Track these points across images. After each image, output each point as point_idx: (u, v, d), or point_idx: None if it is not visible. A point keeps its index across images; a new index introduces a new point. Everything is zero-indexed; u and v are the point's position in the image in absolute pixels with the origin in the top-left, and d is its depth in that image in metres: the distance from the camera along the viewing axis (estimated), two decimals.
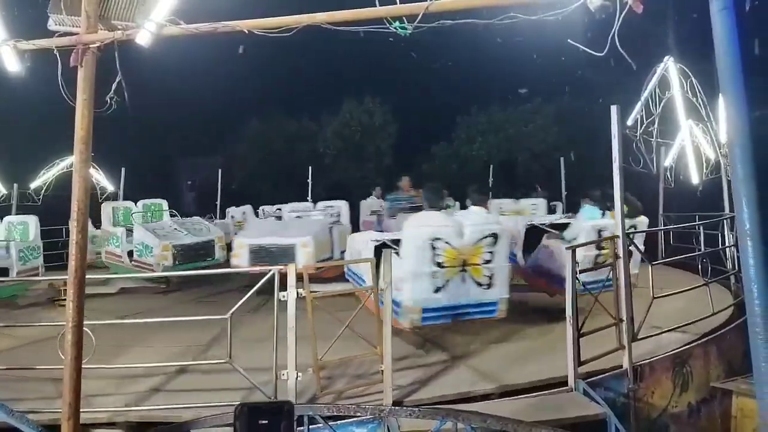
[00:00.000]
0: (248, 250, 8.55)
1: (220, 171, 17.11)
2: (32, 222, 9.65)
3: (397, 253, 5.39)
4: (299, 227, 9.36)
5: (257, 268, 5.41)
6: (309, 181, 16.34)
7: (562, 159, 15.02)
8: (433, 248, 5.44)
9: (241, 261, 8.66)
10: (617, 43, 2.31)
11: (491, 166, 17.36)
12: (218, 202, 16.55)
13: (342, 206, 11.15)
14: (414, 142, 25.93)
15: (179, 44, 3.07)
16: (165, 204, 12.25)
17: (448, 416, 1.83)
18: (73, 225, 2.78)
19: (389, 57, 22.48)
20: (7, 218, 10.15)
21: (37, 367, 4.63)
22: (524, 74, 23.15)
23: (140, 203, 12.08)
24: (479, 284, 5.60)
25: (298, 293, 4.57)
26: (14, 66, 3.06)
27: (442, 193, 6.28)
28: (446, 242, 5.45)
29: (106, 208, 11.60)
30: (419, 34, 2.66)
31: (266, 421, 1.67)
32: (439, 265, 5.46)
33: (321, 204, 11.43)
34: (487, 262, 5.59)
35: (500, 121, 24.78)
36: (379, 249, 6.00)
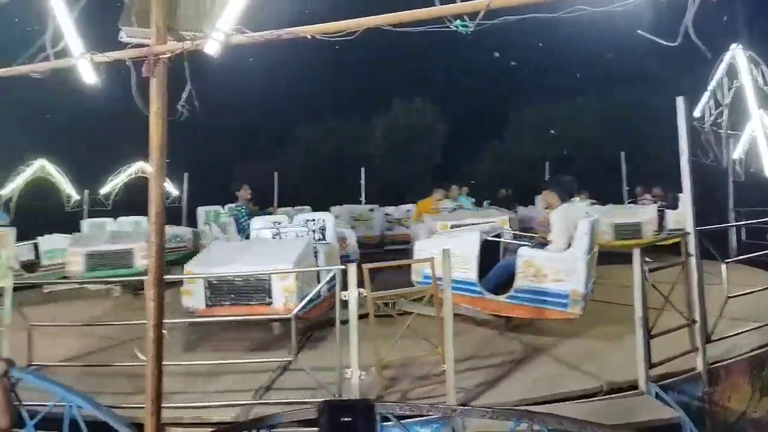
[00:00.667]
0: (202, 286, 6.06)
1: (276, 174, 17.45)
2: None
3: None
4: (274, 251, 6.66)
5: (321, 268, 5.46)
6: (361, 182, 16.48)
7: (623, 154, 14.47)
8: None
9: (194, 301, 6.12)
10: (691, 33, 2.20)
11: (546, 163, 16.95)
12: (275, 205, 16.88)
13: (327, 219, 8.51)
14: (464, 141, 25.72)
15: (235, 52, 3.17)
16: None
17: (522, 418, 1.80)
18: (151, 226, 2.90)
19: (438, 56, 22.41)
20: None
21: (115, 364, 4.85)
22: (578, 68, 22.55)
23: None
24: None
25: (359, 293, 4.62)
26: (90, 78, 3.22)
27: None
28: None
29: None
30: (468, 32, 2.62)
31: (349, 419, 1.69)
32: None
33: (300, 217, 8.61)
34: None
35: (553, 116, 24.23)
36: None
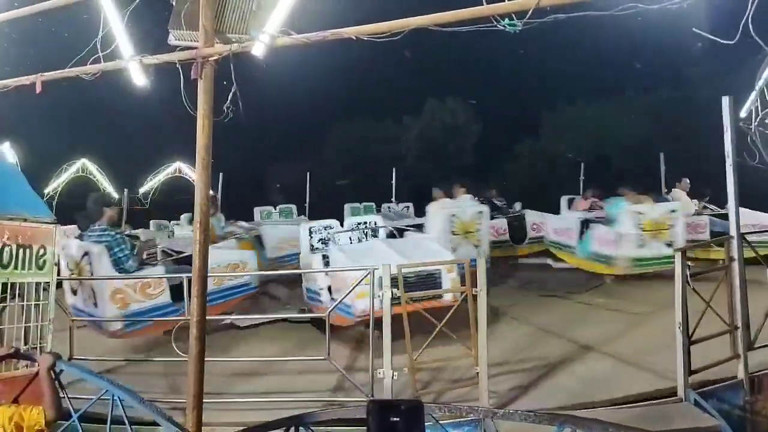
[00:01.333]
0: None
1: (308, 175, 17.58)
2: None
3: None
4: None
5: (353, 268, 5.50)
6: (393, 182, 16.49)
7: (662, 155, 14.12)
8: None
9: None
10: (750, 28, 2.15)
11: (581, 163, 16.66)
12: (306, 205, 17.04)
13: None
14: (498, 141, 25.50)
15: (277, 54, 3.22)
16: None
17: (566, 422, 1.79)
18: (196, 226, 2.97)
19: (471, 55, 22.26)
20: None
21: (155, 359, 4.97)
22: (616, 67, 22.11)
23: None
24: None
25: (392, 293, 4.63)
26: (140, 79, 3.32)
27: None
28: None
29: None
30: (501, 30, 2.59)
31: (397, 419, 1.70)
32: None
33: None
34: None
35: (589, 116, 23.82)
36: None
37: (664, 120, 21.52)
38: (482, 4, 2.54)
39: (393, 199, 16.16)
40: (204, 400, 3.58)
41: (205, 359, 3.15)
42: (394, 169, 16.71)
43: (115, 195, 14.56)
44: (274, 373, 5.37)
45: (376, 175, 21.92)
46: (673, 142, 18.45)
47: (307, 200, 17.09)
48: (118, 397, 3.07)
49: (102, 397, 3.20)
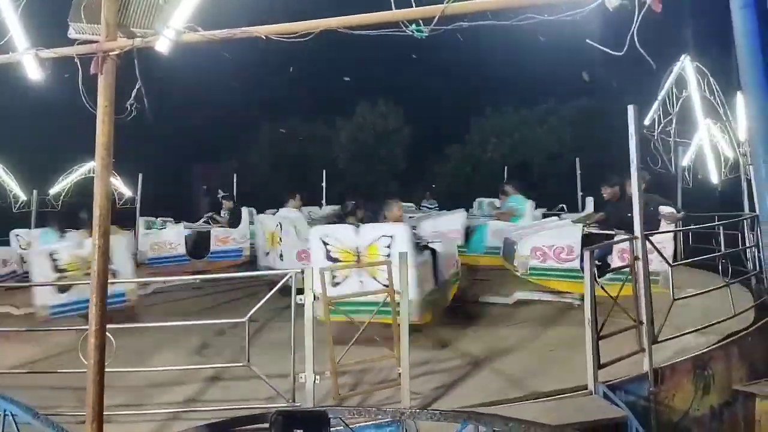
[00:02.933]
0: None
1: (235, 176, 17.17)
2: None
3: None
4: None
5: (277, 271, 5.42)
6: (323, 185, 16.39)
7: (577, 160, 14.90)
8: None
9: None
10: (636, 43, 2.29)
11: (505, 167, 17.27)
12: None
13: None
14: (428, 145, 25.95)
15: (193, 50, 3.11)
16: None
17: (470, 419, 1.82)
18: (95, 228, 2.81)
19: (401, 60, 22.52)
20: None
21: (59, 371, 4.68)
22: (537, 75, 23.05)
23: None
24: None
25: (315, 296, 4.59)
26: (35, 73, 3.11)
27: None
28: None
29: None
30: (431, 36, 2.65)
31: (301, 430, 1.66)
32: None
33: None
34: None
35: (514, 123, 24.74)
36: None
37: (579, 127, 22.67)
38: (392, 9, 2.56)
39: (323, 202, 16.06)
40: (114, 412, 3.41)
41: (109, 370, 2.99)
42: (324, 171, 16.62)
43: (24, 197, 13.64)
44: (191, 382, 5.19)
45: (306, 177, 21.73)
46: (589, 147, 19.48)
47: (233, 202, 16.62)
48: (10, 413, 2.88)
49: None
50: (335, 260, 5.98)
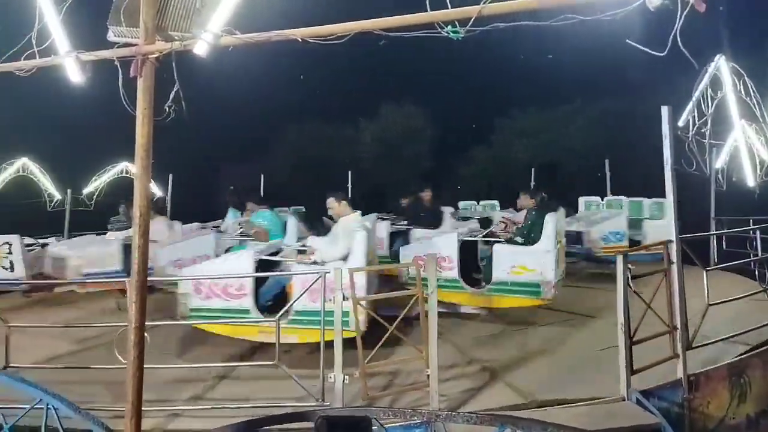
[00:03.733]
0: None
1: (262, 176, 17.34)
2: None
3: None
4: None
5: (305, 270, 5.45)
6: (349, 185, 16.44)
7: (606, 161, 14.64)
8: None
9: None
10: (679, 43, 2.24)
11: (533, 168, 17.09)
12: None
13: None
14: (453, 146, 25.84)
15: (225, 53, 3.15)
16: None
17: (506, 423, 1.81)
18: (135, 227, 2.87)
19: (428, 61, 22.50)
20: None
21: (94, 366, 4.79)
22: (565, 76, 22.79)
23: None
24: None
25: (344, 296, 4.60)
26: (76, 76, 3.19)
27: None
28: None
29: None
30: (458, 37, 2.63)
31: None
32: None
33: None
34: None
35: (541, 123, 24.47)
36: None
37: (610, 127, 22.31)
38: (427, 11, 2.56)
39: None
40: (147, 408, 3.47)
41: (146, 366, 3.05)
42: (350, 172, 16.67)
43: (58, 196, 13.99)
44: (222, 379, 5.26)
45: (331, 177, 21.83)
46: (619, 148, 19.15)
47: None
48: (53, 407, 2.96)
49: (36, 407, 3.07)
50: None
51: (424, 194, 9.80)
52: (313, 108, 27.07)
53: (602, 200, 13.33)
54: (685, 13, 2.20)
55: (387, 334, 4.66)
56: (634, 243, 10.86)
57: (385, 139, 26.41)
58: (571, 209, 12.50)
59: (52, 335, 6.37)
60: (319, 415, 1.71)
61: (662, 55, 2.35)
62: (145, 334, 3.38)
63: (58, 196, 14.16)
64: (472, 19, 2.48)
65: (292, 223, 7.71)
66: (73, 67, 3.16)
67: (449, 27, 2.56)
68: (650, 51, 2.45)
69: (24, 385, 3.14)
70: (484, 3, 2.46)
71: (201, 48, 2.93)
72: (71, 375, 5.13)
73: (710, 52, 8.30)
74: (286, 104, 26.57)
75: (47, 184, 14.56)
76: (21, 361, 5.06)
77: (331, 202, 6.39)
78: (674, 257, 4.99)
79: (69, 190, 13.87)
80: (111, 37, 3.15)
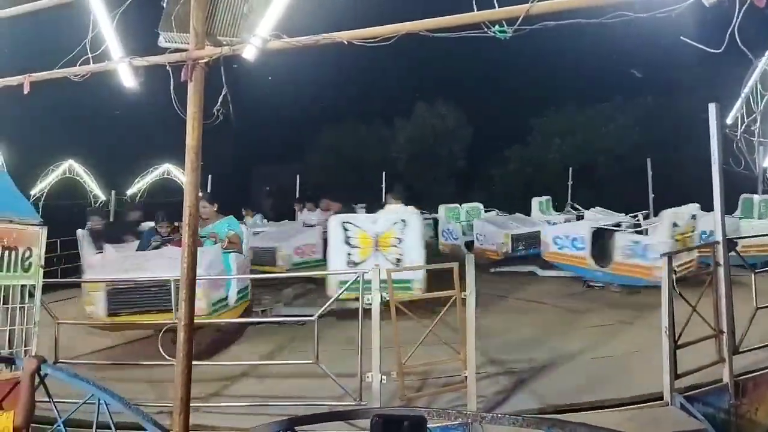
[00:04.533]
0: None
1: (298, 177, 17.53)
2: None
3: None
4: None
5: (346, 270, 5.51)
6: (383, 186, 16.48)
7: (648, 160, 14.23)
8: None
9: None
10: (737, 40, 2.18)
11: (570, 169, 16.80)
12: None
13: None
14: (488, 146, 25.59)
15: (268, 56, 3.22)
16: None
17: (554, 426, 1.79)
18: (185, 228, 2.96)
19: (462, 60, 22.37)
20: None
21: (143, 362, 4.93)
22: (604, 73, 22.31)
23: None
24: None
25: (382, 297, 4.63)
26: (129, 81, 3.30)
27: None
28: None
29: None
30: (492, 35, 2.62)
31: None
32: None
33: None
34: None
35: (578, 122, 24.01)
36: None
37: (651, 126, 21.75)
38: (473, 11, 2.56)
39: (384, 202, 16.13)
40: (191, 404, 3.56)
41: (193, 363, 3.13)
42: (384, 173, 16.71)
43: (103, 197, 14.46)
44: (262, 377, 5.35)
45: (366, 177, 21.92)
46: (661, 148, 18.64)
47: None
48: (104, 401, 3.05)
49: (88, 401, 3.17)
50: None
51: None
52: (348, 109, 27.27)
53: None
54: (743, 9, 2.14)
55: (425, 336, 4.66)
56: None
57: (420, 139, 26.35)
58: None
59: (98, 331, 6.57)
60: (375, 414, 1.73)
61: (718, 52, 2.29)
62: None
63: (102, 197, 14.64)
64: (521, 18, 2.46)
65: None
66: (126, 72, 3.27)
67: (496, 27, 2.55)
68: (706, 48, 2.39)
69: (77, 380, 3.23)
70: (532, 2, 2.44)
71: (249, 52, 3.00)
72: (115, 372, 5.31)
73: (760, 47, 8.03)
74: (323, 106, 26.84)
75: (92, 185, 15.07)
76: (67, 355, 5.24)
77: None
78: (720, 259, 4.87)
79: (113, 192, 14.32)
80: (162, 42, 3.25)
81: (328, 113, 27.42)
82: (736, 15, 2.15)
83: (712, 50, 2.33)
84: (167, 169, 14.95)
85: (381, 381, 4.48)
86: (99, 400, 3.07)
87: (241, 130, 23.07)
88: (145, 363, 4.95)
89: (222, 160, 20.38)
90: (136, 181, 14.85)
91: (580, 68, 22.37)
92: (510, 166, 25.23)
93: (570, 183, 16.26)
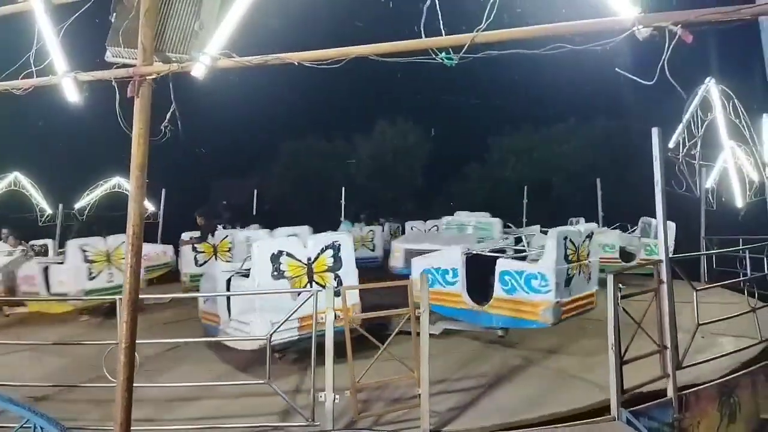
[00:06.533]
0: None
1: (255, 192, 17.35)
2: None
3: None
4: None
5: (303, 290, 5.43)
6: (342, 201, 16.49)
7: (598, 180, 14.79)
8: None
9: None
10: (667, 73, 2.31)
11: (524, 187, 17.21)
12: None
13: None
14: (447, 163, 25.97)
15: (220, 73, 3.19)
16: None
17: None
18: (128, 246, 2.88)
19: (421, 79, 22.70)
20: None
21: (84, 385, 4.74)
22: (558, 96, 23.04)
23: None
24: None
25: (336, 315, 4.60)
26: (73, 96, 3.22)
27: None
28: None
29: None
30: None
31: None
32: None
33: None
34: None
35: (534, 143, 24.67)
36: None
37: (602, 147, 22.55)
38: (421, 37, 2.62)
39: (342, 219, 16.15)
40: (135, 428, 3.44)
41: (135, 385, 3.03)
42: (343, 188, 16.73)
43: (50, 210, 13.93)
44: (211, 397, 5.22)
45: (325, 193, 21.88)
46: (610, 168, 19.34)
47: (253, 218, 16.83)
48: (40, 427, 2.92)
49: (24, 426, 3.03)
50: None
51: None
52: (307, 125, 27.22)
53: None
54: (672, 44, 2.26)
55: (379, 353, 4.64)
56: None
57: (379, 157, 26.51)
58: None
59: (44, 351, 6.31)
60: None
61: (650, 83, 2.41)
62: (136, 355, 3.37)
63: (49, 210, 14.10)
64: (465, 47, 2.53)
65: None
66: (70, 87, 3.19)
67: (443, 54, 2.61)
68: (639, 80, 2.51)
69: (10, 405, 3.08)
70: (477, 31, 2.52)
71: (198, 70, 2.97)
72: (60, 393, 5.10)
73: (700, 74, 8.45)
74: (281, 121, 26.73)
75: (39, 198, 14.50)
76: (6, 378, 5.00)
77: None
78: (664, 276, 5.03)
79: (60, 205, 13.82)
80: (109, 57, 3.18)
81: (287, 129, 27.36)
82: (665, 49, 2.27)
83: (645, 82, 2.45)
84: (118, 182, 14.54)
85: (334, 400, 4.44)
86: (34, 425, 2.94)
87: (198, 145, 22.76)
88: (86, 385, 4.76)
89: (177, 174, 19.96)
90: (86, 194, 14.36)
91: (535, 90, 23.04)
92: (468, 183, 25.64)
93: (525, 201, 16.63)
